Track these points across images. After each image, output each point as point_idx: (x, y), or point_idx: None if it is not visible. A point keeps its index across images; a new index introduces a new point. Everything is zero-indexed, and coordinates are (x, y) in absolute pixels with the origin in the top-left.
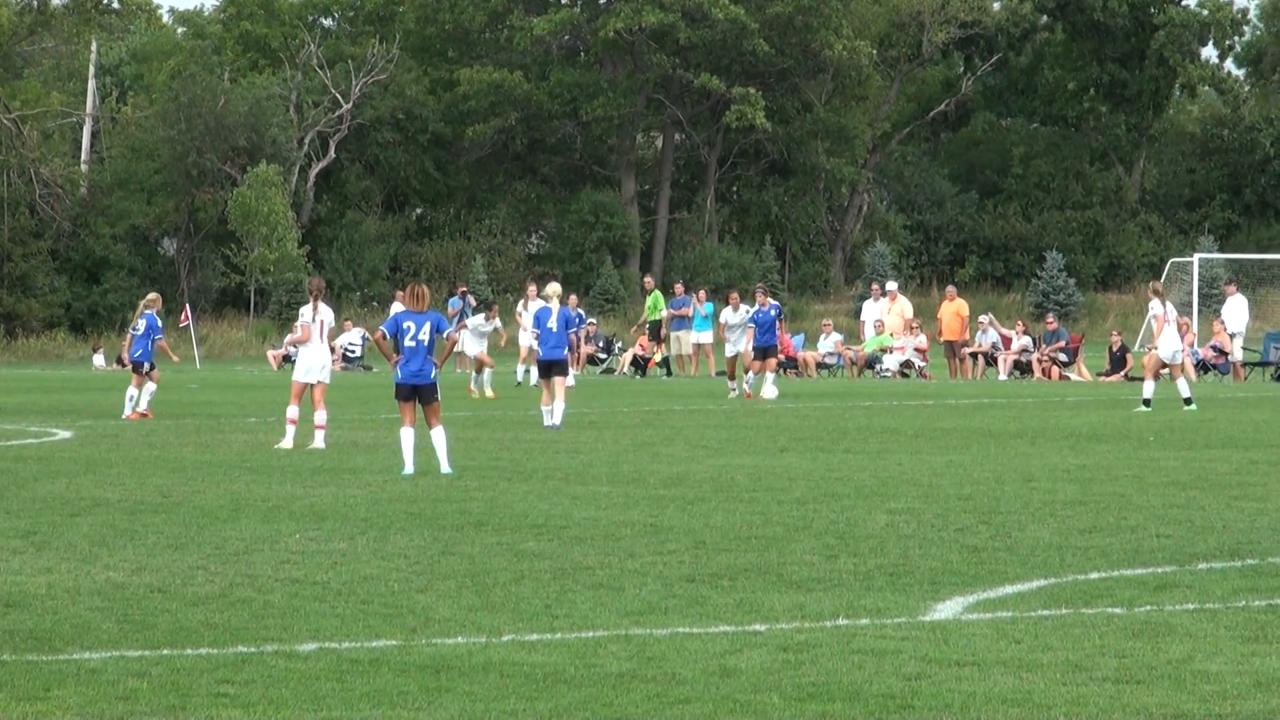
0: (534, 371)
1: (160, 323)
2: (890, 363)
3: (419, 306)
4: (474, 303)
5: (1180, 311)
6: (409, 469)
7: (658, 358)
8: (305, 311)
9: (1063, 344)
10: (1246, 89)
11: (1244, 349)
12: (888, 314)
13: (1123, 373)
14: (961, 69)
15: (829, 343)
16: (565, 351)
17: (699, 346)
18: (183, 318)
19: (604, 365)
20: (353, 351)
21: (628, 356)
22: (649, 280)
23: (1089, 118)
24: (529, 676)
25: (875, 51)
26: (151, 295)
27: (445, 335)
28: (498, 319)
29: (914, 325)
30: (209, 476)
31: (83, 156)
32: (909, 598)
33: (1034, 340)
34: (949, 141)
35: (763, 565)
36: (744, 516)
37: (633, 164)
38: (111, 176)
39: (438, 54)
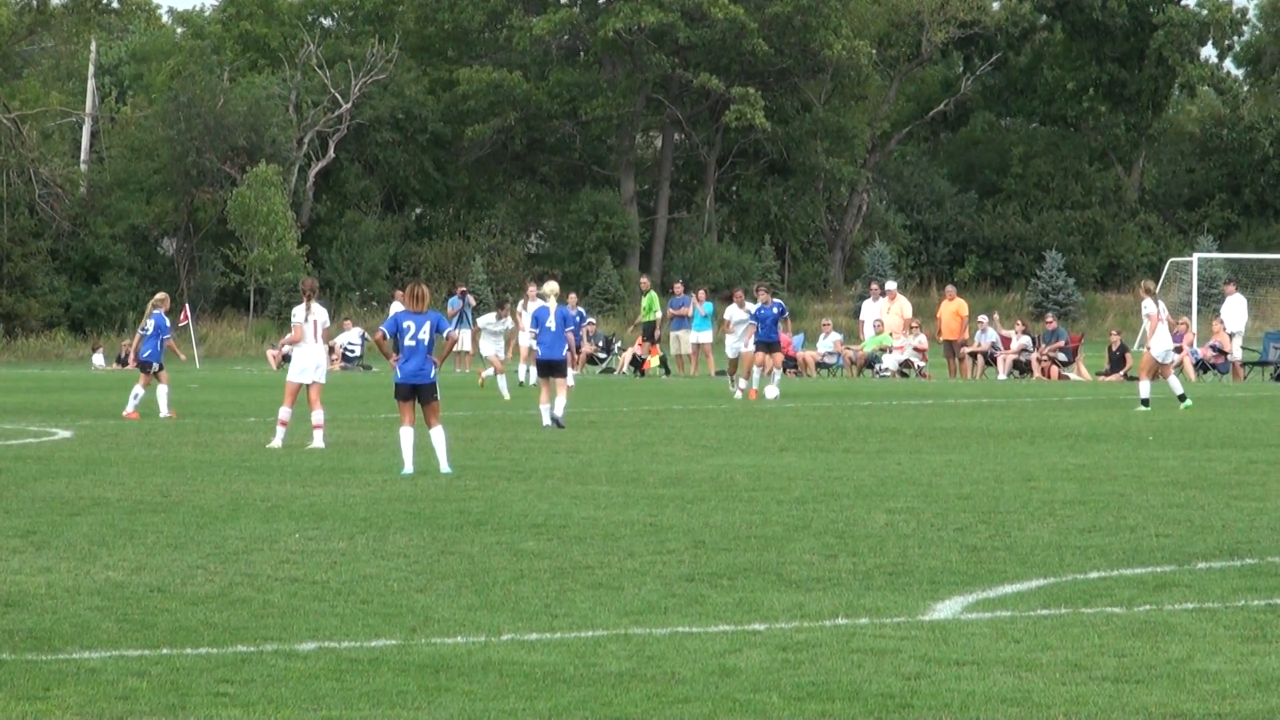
0: (534, 371)
1: (169, 322)
2: (889, 362)
3: (419, 307)
4: (473, 302)
5: (1180, 311)
6: (408, 468)
7: (653, 360)
8: (298, 312)
9: (1062, 344)
10: (1245, 89)
11: (1243, 348)
12: (887, 314)
13: (1122, 372)
14: (961, 69)
15: (828, 342)
16: (564, 351)
17: (698, 346)
18: (182, 317)
19: (603, 365)
20: (352, 351)
21: (627, 356)
22: (645, 280)
23: (1088, 117)
24: (528, 676)
25: (874, 51)
26: (160, 295)
27: (445, 335)
28: (509, 317)
29: (913, 325)
30: (208, 476)
31: (82, 156)
32: (908, 597)
33: (1033, 340)
34: (948, 141)
35: (762, 565)
36: (743, 516)
37: (632, 164)
38: (111, 176)
39: (437, 54)
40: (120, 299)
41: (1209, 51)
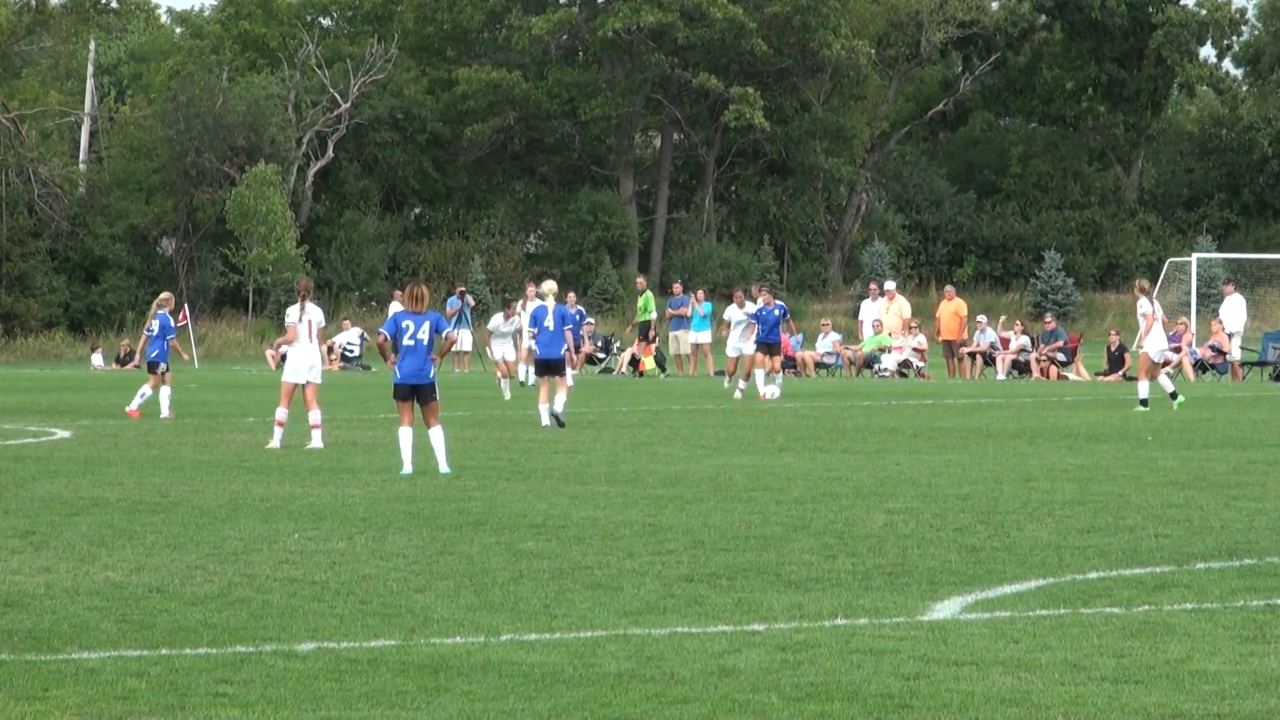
0: (534, 371)
1: (173, 322)
2: (888, 362)
3: (418, 307)
4: (472, 302)
5: (1179, 311)
6: (407, 469)
7: (648, 362)
8: (292, 312)
9: (1061, 344)
10: (1245, 89)
11: (1242, 349)
12: (886, 314)
13: (1121, 372)
14: (960, 68)
15: (827, 342)
16: (563, 350)
17: (697, 346)
18: (181, 317)
19: (602, 365)
20: (351, 351)
21: (626, 356)
22: (640, 280)
23: (1087, 117)
24: (527, 676)
25: (874, 51)
26: (164, 295)
27: (444, 335)
28: (516, 317)
29: (912, 325)
30: (207, 476)
31: (81, 156)
32: (907, 597)
33: (1032, 340)
34: (947, 141)
35: (761, 565)
36: (742, 516)
37: (631, 164)
38: (110, 176)
39: (436, 53)
40: (119, 299)
41: (1208, 51)
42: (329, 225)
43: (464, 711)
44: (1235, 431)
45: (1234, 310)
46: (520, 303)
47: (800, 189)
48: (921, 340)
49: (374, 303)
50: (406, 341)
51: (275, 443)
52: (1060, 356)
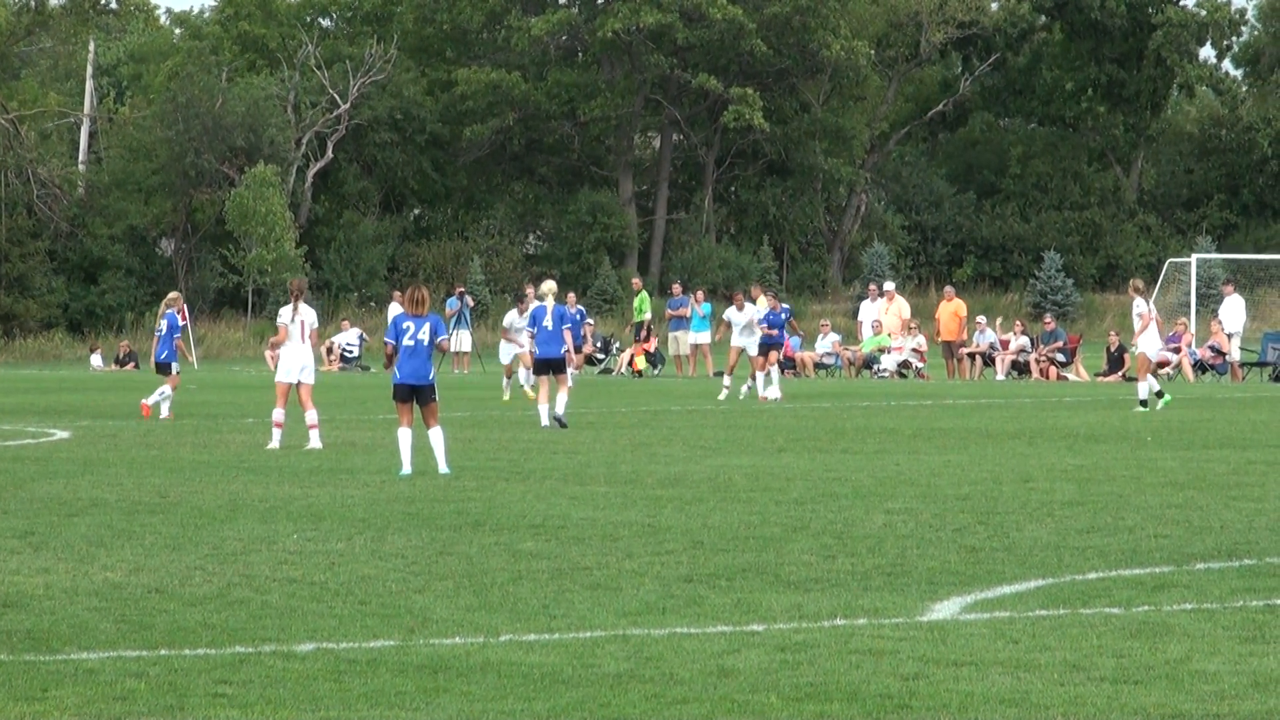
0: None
1: (180, 321)
2: (888, 363)
3: (419, 310)
4: (471, 303)
5: (1178, 312)
6: (407, 469)
7: (639, 361)
8: (285, 312)
9: (1060, 344)
10: (1244, 89)
11: (1242, 349)
12: (885, 314)
13: (1120, 373)
14: (959, 69)
15: (827, 343)
16: (562, 349)
17: (696, 347)
18: (180, 318)
19: (602, 365)
20: (350, 352)
21: (625, 357)
22: (636, 281)
23: (1087, 118)
24: (527, 677)
25: (873, 52)
26: (172, 295)
27: (438, 341)
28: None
29: (912, 325)
30: (206, 477)
31: (80, 157)
32: (906, 598)
33: (1031, 340)
34: (947, 142)
35: (760, 565)
36: (741, 517)
37: (630, 164)
38: (109, 177)
39: (435, 54)
40: (118, 300)
41: (1208, 52)
42: (328, 226)
43: (463, 712)
44: (1235, 432)
45: (1233, 311)
46: (517, 308)
47: (800, 190)
48: (921, 341)
49: (373, 303)
50: (406, 342)
51: (274, 443)
52: (1060, 357)
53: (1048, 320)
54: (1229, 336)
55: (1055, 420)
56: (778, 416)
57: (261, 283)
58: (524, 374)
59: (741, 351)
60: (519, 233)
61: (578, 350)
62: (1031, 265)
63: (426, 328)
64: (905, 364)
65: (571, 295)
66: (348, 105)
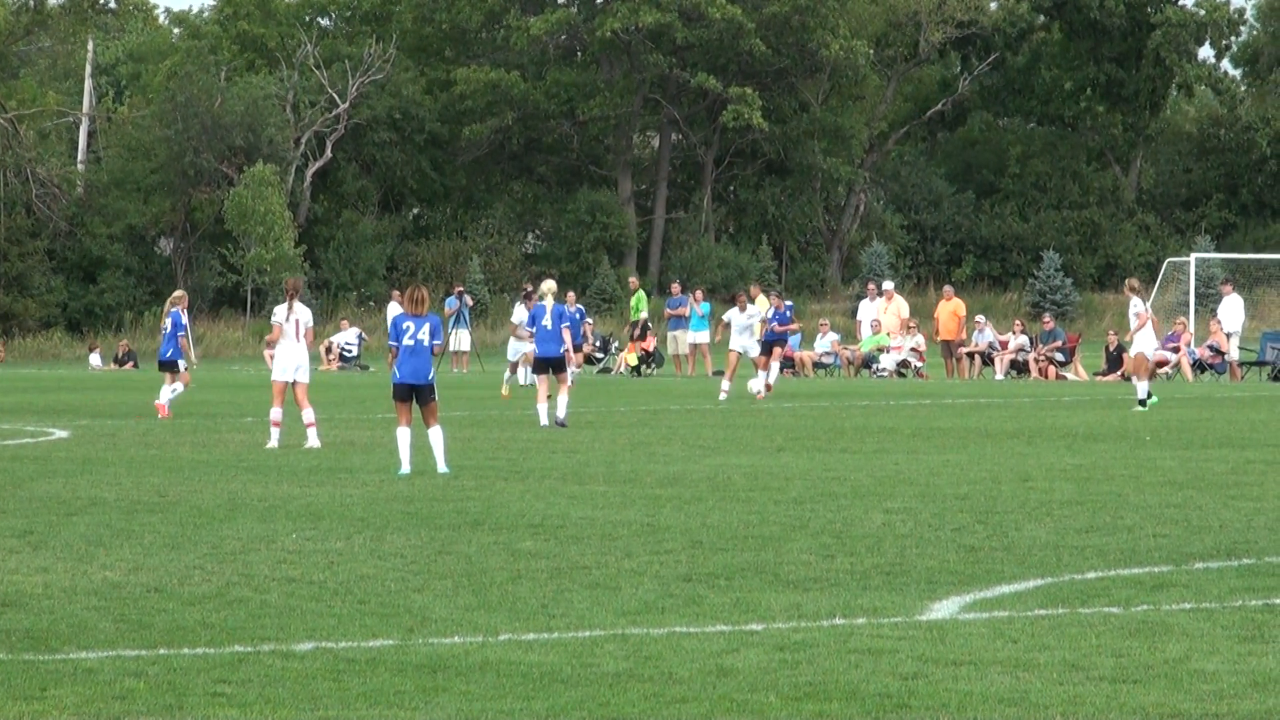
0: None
1: (185, 320)
2: (887, 362)
3: (418, 310)
4: (470, 302)
5: (1177, 312)
6: (406, 468)
7: (632, 358)
8: (279, 311)
9: (1059, 344)
10: (1243, 89)
11: (1240, 348)
12: (884, 314)
13: (1119, 372)
14: (958, 69)
15: (826, 342)
16: (561, 349)
17: (696, 346)
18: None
19: (601, 364)
20: (349, 351)
21: (623, 356)
22: (633, 280)
23: (1086, 117)
24: (526, 676)
25: (872, 51)
26: (178, 293)
27: (435, 344)
28: None
29: (911, 325)
30: (206, 476)
31: (79, 156)
32: (905, 597)
33: (1030, 340)
34: (946, 141)
35: (759, 565)
36: (741, 516)
37: (629, 164)
38: (108, 176)
39: (434, 54)
40: (117, 299)
41: (1206, 52)
42: (327, 225)
43: (462, 711)
44: (1234, 431)
45: (1232, 310)
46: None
47: (798, 189)
48: (920, 340)
49: (372, 303)
50: (406, 342)
51: (273, 443)
52: (1058, 356)
53: (1046, 320)
54: (1228, 336)
55: (1054, 420)
56: (776, 416)
57: (260, 282)
58: (524, 373)
59: (740, 355)
60: (518, 232)
61: (577, 349)
62: (1030, 265)
63: (426, 327)
64: (904, 363)
65: (571, 294)
66: (346, 105)
